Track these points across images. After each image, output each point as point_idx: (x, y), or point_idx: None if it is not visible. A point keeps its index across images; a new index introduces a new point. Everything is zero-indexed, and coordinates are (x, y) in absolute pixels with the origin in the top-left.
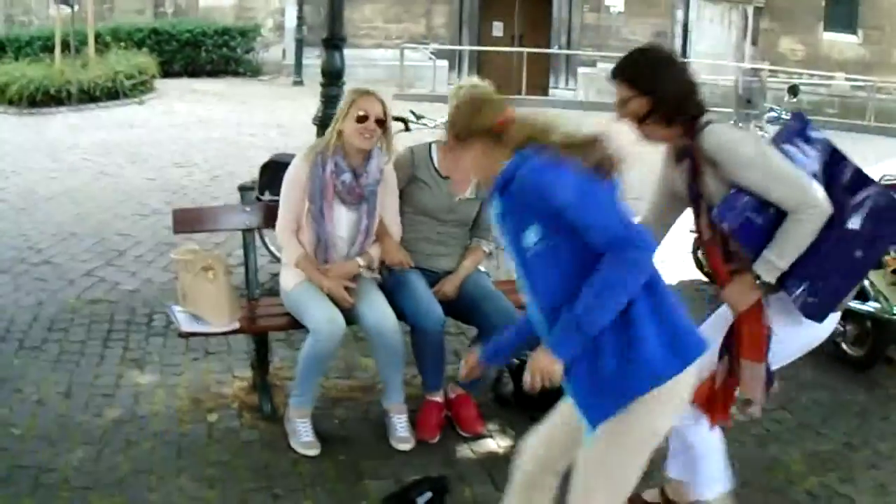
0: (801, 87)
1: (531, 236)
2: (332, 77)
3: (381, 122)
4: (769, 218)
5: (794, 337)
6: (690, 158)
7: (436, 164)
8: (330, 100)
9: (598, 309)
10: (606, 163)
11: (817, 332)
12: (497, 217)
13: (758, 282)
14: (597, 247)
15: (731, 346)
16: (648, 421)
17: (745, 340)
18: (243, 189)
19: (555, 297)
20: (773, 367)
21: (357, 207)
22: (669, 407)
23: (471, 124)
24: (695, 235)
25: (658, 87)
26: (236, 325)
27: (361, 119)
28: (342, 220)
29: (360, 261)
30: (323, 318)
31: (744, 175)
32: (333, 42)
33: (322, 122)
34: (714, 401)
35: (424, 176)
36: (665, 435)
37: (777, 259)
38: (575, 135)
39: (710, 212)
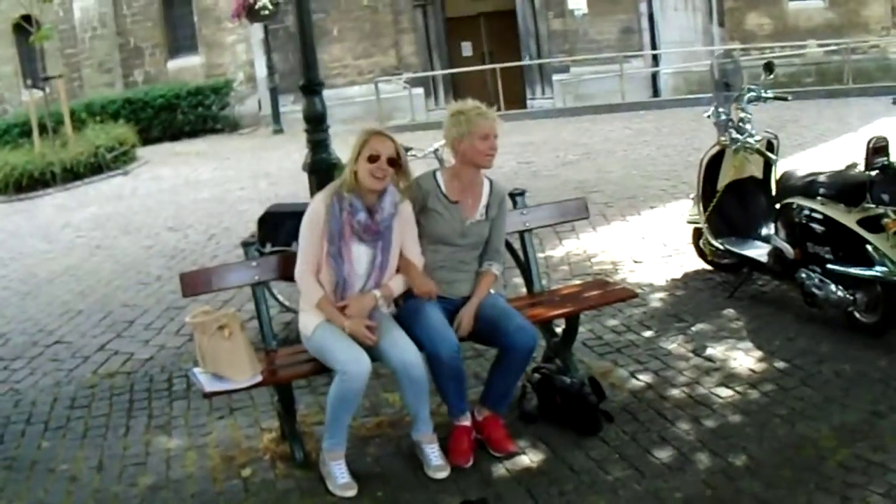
0: (775, 61)
1: None
2: (316, 122)
3: (393, 162)
4: None
5: None
6: None
7: (443, 191)
8: (317, 145)
9: None
10: None
11: None
12: None
13: None
14: None
15: None
16: None
17: None
18: (246, 245)
19: None
20: None
21: (373, 244)
22: None
23: None
24: (694, 226)
25: None
26: (259, 379)
27: (373, 159)
28: (360, 257)
29: (377, 293)
30: (349, 358)
31: None
32: (311, 88)
33: (313, 169)
34: None
35: (434, 205)
36: None
37: None
38: None
39: None
